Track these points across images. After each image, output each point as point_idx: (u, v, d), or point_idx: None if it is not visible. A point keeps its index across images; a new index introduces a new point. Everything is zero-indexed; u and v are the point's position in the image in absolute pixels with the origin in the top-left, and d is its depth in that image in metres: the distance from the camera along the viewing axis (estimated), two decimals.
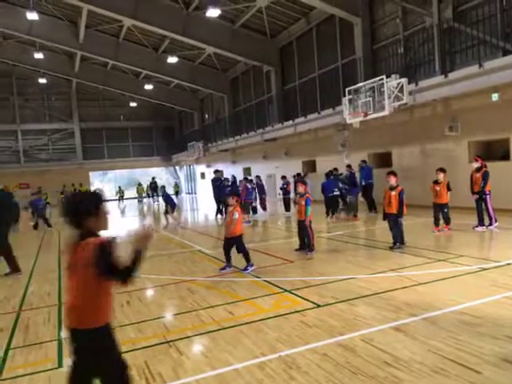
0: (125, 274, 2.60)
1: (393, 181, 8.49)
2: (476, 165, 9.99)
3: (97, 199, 2.76)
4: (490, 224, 9.89)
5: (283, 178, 17.60)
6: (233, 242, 7.63)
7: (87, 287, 2.60)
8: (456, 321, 4.55)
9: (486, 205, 9.82)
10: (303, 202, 8.67)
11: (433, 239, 9.46)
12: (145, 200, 36.41)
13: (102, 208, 2.74)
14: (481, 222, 9.87)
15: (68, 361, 2.93)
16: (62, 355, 4.47)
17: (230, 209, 7.76)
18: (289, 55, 23.39)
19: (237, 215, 7.55)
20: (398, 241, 8.47)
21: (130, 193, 39.32)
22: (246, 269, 7.50)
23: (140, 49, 27.39)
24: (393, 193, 8.39)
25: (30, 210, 18.94)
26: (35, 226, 18.05)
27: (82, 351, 2.65)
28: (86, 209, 2.65)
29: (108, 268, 2.54)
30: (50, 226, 17.87)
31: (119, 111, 40.35)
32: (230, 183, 16.97)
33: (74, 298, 2.65)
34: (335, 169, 15.88)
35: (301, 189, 8.92)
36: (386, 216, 8.63)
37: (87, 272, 2.54)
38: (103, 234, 2.75)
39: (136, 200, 36.50)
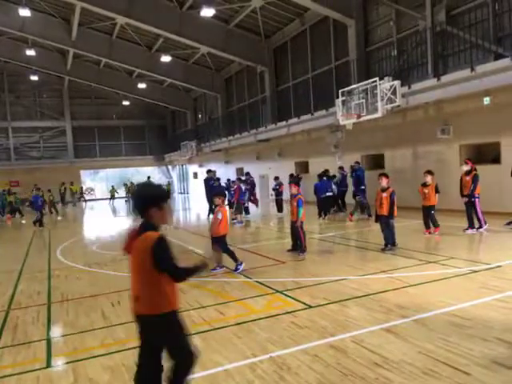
0: (180, 275, 2.87)
1: (384, 182, 8.54)
2: (466, 168, 10.05)
3: (163, 193, 2.92)
4: (480, 227, 9.94)
5: (276, 178, 17.61)
6: (216, 242, 7.63)
7: (148, 277, 2.77)
8: (446, 323, 4.58)
9: (474, 208, 9.86)
10: (295, 203, 8.68)
11: (424, 241, 9.52)
12: None
13: (167, 202, 2.88)
14: (471, 225, 9.93)
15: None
16: (50, 355, 4.43)
17: (216, 209, 7.83)
18: (283, 56, 23.42)
19: (220, 215, 7.60)
20: (390, 242, 8.51)
21: (122, 192, 39.13)
22: (236, 268, 7.50)
23: (133, 47, 27.25)
24: (384, 194, 8.44)
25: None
26: (40, 223, 17.93)
27: (148, 334, 2.91)
28: (152, 200, 2.82)
29: (165, 262, 2.75)
30: (42, 225, 17.72)
31: (112, 110, 40.12)
32: (217, 182, 16.91)
33: (138, 288, 2.85)
34: (326, 170, 15.93)
35: (293, 190, 8.94)
36: (377, 217, 8.67)
37: (146, 263, 2.72)
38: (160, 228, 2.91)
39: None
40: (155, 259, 2.71)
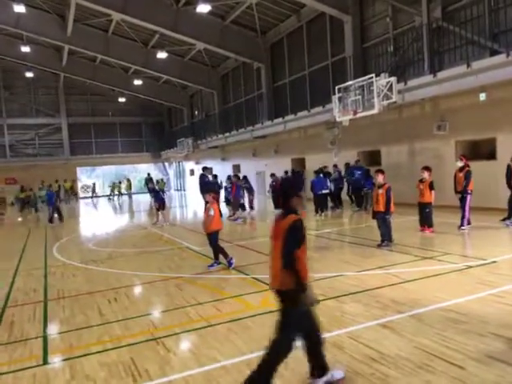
0: (288, 261, 3.09)
1: (380, 178, 8.55)
2: (460, 164, 10.06)
3: (301, 184, 3.44)
4: (462, 225, 9.79)
5: (272, 175, 17.61)
6: (208, 238, 7.71)
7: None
8: (442, 318, 4.60)
9: (463, 204, 9.81)
10: None
11: (420, 237, 9.54)
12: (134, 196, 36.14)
13: (303, 191, 3.35)
14: (467, 221, 9.95)
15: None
16: (47, 352, 4.42)
17: (207, 205, 7.82)
18: (279, 52, 23.35)
19: (212, 212, 7.63)
20: (386, 238, 8.53)
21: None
22: (229, 264, 7.55)
23: (129, 43, 27.11)
24: (380, 191, 8.45)
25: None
26: (60, 217, 18.20)
27: (284, 306, 3.27)
28: (293, 191, 3.30)
29: (292, 241, 3.11)
30: (62, 220, 18.03)
31: (108, 106, 39.94)
32: (214, 180, 16.86)
33: (276, 265, 3.21)
34: (325, 167, 15.95)
35: None
36: (374, 214, 8.69)
37: (282, 243, 3.12)
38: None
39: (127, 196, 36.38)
40: (285, 236, 3.11)
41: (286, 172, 18.51)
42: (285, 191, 3.34)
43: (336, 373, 3.42)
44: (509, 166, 10.09)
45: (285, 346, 3.26)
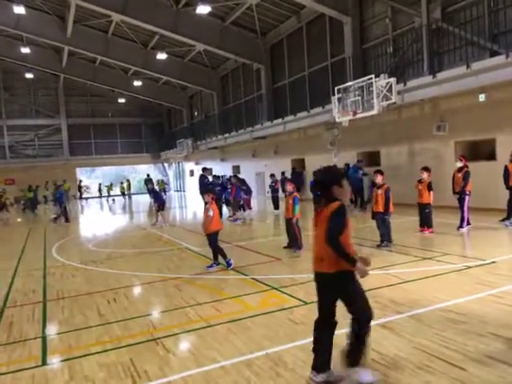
0: (334, 243, 3.23)
1: (379, 179, 8.55)
2: (459, 164, 10.04)
3: (341, 174, 3.53)
4: (461, 226, 9.76)
5: (272, 176, 17.62)
6: (208, 239, 7.71)
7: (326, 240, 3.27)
8: (441, 318, 4.60)
9: (462, 205, 9.79)
10: (291, 201, 8.71)
11: (419, 237, 9.54)
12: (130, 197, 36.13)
13: (345, 180, 3.42)
14: (467, 221, 9.94)
15: None
16: (46, 353, 4.42)
17: (206, 206, 7.80)
18: (279, 53, 23.38)
19: (211, 212, 7.62)
20: (386, 239, 8.53)
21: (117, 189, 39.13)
22: (228, 264, 7.54)
23: (129, 44, 27.14)
24: (379, 191, 8.46)
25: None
26: (66, 219, 18.27)
27: (325, 288, 3.42)
28: (333, 179, 3.40)
29: (334, 227, 3.25)
30: (68, 220, 18.14)
31: (107, 107, 39.97)
32: (216, 180, 16.88)
33: (318, 249, 3.39)
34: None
35: (289, 187, 8.96)
36: (373, 214, 8.69)
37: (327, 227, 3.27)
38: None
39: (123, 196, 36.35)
40: (329, 221, 3.25)
41: (283, 173, 18.53)
42: (326, 181, 3.43)
43: (365, 376, 3.37)
44: (506, 167, 10.10)
45: (362, 315, 3.36)
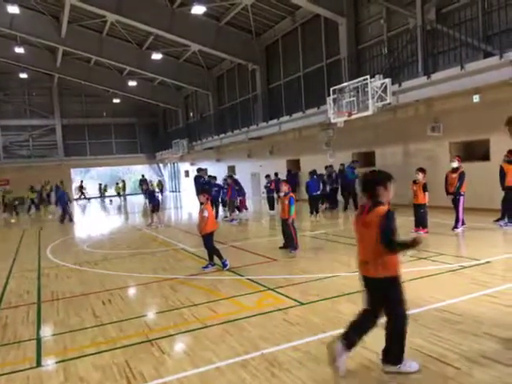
0: (392, 247, 3.33)
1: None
2: (455, 164, 10.06)
3: (388, 177, 3.55)
4: (456, 227, 9.82)
5: (267, 176, 17.62)
6: (204, 239, 7.71)
7: (373, 245, 3.36)
8: (436, 318, 4.62)
9: (457, 206, 9.83)
10: (286, 202, 8.72)
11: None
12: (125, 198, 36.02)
13: (390, 184, 3.50)
14: (461, 222, 9.99)
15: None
16: (40, 354, 4.39)
17: (201, 207, 7.79)
18: (274, 54, 23.40)
19: (206, 213, 7.60)
20: None
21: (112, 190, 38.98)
22: (224, 265, 7.54)
23: (124, 45, 27.05)
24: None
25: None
26: (69, 218, 18.46)
27: (372, 293, 3.53)
28: (380, 180, 3.48)
29: (384, 233, 3.30)
30: (71, 220, 18.42)
31: (102, 107, 39.79)
32: (213, 180, 16.84)
33: (364, 254, 3.50)
34: (314, 170, 16.04)
35: (284, 188, 8.96)
36: None
37: (374, 232, 3.34)
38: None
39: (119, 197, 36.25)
40: (380, 229, 3.30)
41: (276, 174, 18.48)
42: (373, 181, 3.52)
43: (412, 364, 3.52)
44: (502, 167, 10.15)
45: (399, 321, 3.46)
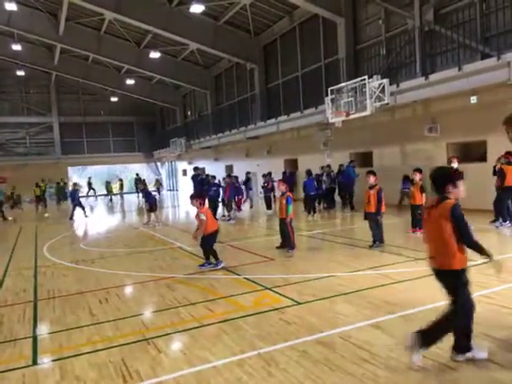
0: (469, 238, 3.52)
1: (372, 180, 8.60)
2: (456, 165, 10.08)
3: (457, 174, 3.77)
4: None
5: (264, 176, 17.62)
6: (204, 240, 7.66)
7: (443, 237, 3.51)
8: (433, 318, 4.61)
9: None
10: (284, 201, 8.68)
11: (411, 238, 9.60)
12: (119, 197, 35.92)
13: (460, 182, 3.66)
14: None
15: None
16: (36, 352, 4.38)
17: (197, 212, 7.62)
18: (272, 53, 23.40)
19: (203, 216, 7.47)
20: (378, 239, 8.57)
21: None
22: (202, 265, 7.62)
23: (122, 43, 27.01)
24: (371, 192, 8.51)
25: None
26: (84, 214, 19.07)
27: (443, 284, 3.66)
28: (450, 178, 3.65)
29: (461, 222, 3.48)
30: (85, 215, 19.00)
31: (100, 106, 39.74)
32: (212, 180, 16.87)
33: (431, 246, 3.69)
34: (309, 170, 16.09)
35: (282, 187, 8.94)
36: (366, 215, 8.73)
37: (443, 224, 3.50)
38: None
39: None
40: (453, 219, 3.47)
41: (270, 173, 18.32)
42: (442, 178, 3.68)
43: (480, 352, 3.63)
44: (501, 168, 10.19)
45: (458, 312, 3.59)
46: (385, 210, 8.67)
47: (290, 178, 18.48)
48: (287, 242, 8.79)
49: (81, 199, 20.35)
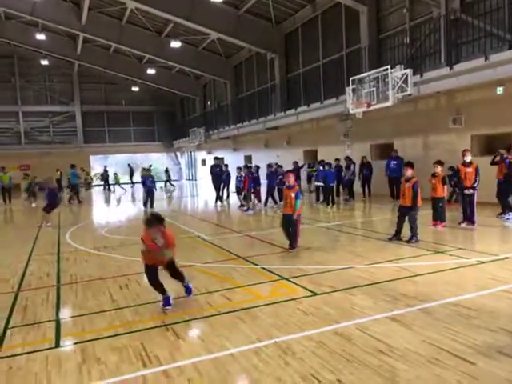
0: None
1: (409, 172, 8.31)
2: (469, 158, 9.83)
3: None
4: (473, 222, 9.57)
5: (279, 167, 17.43)
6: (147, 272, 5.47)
7: None
8: (452, 312, 4.58)
9: (472, 201, 9.59)
10: (293, 194, 7.91)
11: (432, 231, 9.46)
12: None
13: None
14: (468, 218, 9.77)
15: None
16: (59, 335, 4.51)
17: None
18: (293, 43, 23.17)
19: (146, 247, 5.41)
20: (414, 234, 8.20)
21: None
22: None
23: (143, 32, 27.14)
24: (407, 185, 8.27)
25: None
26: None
27: None
28: None
29: None
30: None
31: (121, 95, 40.12)
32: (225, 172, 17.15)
33: None
34: (322, 160, 15.95)
35: (291, 180, 8.14)
36: (400, 208, 8.50)
37: None
38: None
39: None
40: None
41: (270, 165, 17.57)
42: None
43: None
44: (494, 157, 10.21)
45: None
46: (421, 205, 8.36)
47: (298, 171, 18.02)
48: (291, 241, 8.04)
49: (154, 186, 17.36)
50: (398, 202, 8.88)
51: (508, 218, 9.95)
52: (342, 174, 16.16)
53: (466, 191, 9.65)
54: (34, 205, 20.21)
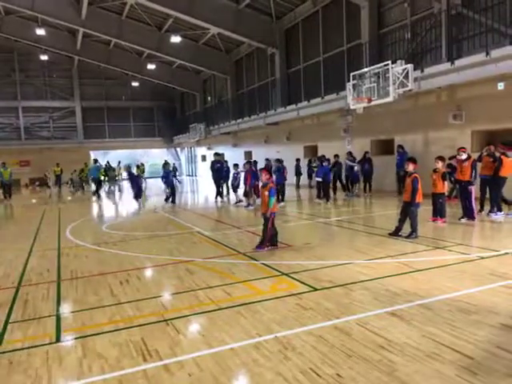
0: None
1: (410, 167, 8.30)
2: (464, 156, 9.93)
3: None
4: (465, 217, 9.69)
5: (236, 165, 17.25)
6: None
7: None
8: (451, 307, 4.58)
9: (469, 196, 9.66)
10: (266, 193, 7.69)
11: (432, 227, 9.47)
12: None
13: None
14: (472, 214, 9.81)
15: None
16: (60, 330, 4.52)
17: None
18: (294, 38, 23.09)
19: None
20: (414, 230, 8.20)
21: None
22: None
23: (143, 27, 27.06)
24: (408, 180, 8.28)
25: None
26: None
27: None
28: None
29: None
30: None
31: (121, 91, 40.07)
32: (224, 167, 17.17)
33: None
34: (323, 155, 15.93)
35: (264, 177, 7.99)
36: (403, 203, 8.49)
37: None
38: None
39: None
40: None
41: (250, 162, 17.43)
42: None
43: None
44: (480, 155, 10.30)
45: None
46: (422, 201, 8.32)
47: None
48: (261, 238, 7.87)
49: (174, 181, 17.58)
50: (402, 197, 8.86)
51: (496, 216, 9.93)
52: (355, 168, 15.97)
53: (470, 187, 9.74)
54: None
